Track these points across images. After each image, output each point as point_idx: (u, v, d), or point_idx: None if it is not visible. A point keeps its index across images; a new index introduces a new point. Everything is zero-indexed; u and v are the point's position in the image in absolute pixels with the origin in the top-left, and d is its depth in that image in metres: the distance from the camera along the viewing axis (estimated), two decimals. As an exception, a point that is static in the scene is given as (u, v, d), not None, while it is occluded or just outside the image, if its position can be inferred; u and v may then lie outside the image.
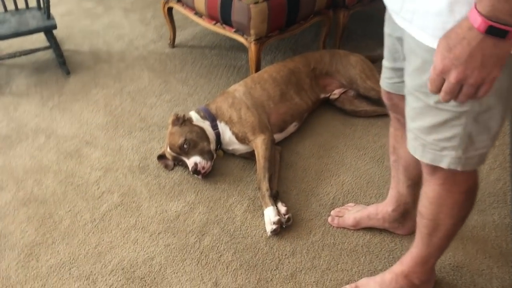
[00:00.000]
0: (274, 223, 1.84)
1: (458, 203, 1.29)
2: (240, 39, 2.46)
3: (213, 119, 2.17)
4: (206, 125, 2.17)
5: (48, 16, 2.63)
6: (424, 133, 1.15)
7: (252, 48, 2.42)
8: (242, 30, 2.42)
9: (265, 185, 1.95)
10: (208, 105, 2.24)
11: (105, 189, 2.09)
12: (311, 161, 2.20)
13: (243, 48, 2.33)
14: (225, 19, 2.46)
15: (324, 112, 2.46)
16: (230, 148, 2.20)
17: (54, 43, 2.71)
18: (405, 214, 1.74)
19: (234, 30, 2.47)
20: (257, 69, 2.47)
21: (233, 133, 2.14)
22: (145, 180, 2.13)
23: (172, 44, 3.03)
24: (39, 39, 3.05)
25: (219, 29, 2.55)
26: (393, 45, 1.29)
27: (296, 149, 2.27)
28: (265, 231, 1.88)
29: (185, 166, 2.13)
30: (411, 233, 1.72)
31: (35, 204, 2.02)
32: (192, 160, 2.05)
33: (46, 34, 2.70)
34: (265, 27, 2.36)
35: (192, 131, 2.09)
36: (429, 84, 0.98)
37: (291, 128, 2.29)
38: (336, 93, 2.44)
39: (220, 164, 2.19)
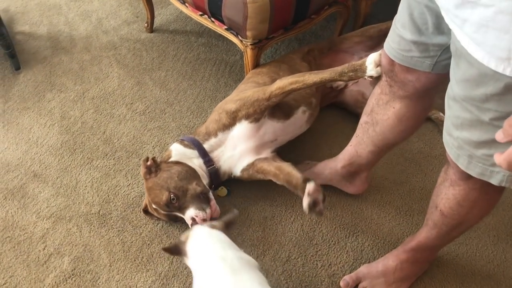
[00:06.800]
0: (309, 193, 1.42)
1: (492, 202, 1.22)
2: (234, 39, 1.90)
3: (203, 151, 1.65)
4: (192, 156, 1.65)
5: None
6: (472, 146, 1.00)
7: (249, 54, 1.86)
8: (235, 29, 1.85)
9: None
10: (194, 132, 1.72)
11: (53, 249, 1.61)
12: (321, 212, 1.71)
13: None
14: (214, 13, 1.88)
15: (333, 131, 1.94)
16: (237, 151, 1.64)
17: (-2, 30, 2.14)
18: (355, 174, 1.63)
19: (225, 27, 1.90)
20: (254, 78, 1.92)
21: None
22: (106, 237, 1.64)
23: (150, 28, 2.44)
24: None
25: (207, 22, 1.97)
26: (420, 15, 1.08)
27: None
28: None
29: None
30: (361, 192, 1.70)
31: (-40, 272, 1.55)
32: (188, 216, 1.54)
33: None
34: (265, 28, 1.79)
35: (172, 176, 1.57)
36: (501, 133, 0.78)
37: (300, 114, 1.73)
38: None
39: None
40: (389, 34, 1.22)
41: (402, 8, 1.15)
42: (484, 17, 0.80)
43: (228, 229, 1.36)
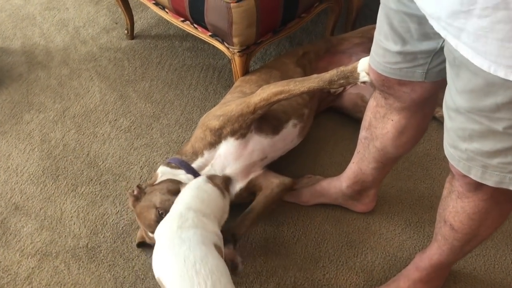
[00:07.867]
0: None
1: (505, 212, 1.13)
2: (220, 46, 1.76)
3: (192, 170, 1.52)
4: (179, 173, 1.53)
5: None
6: (485, 156, 0.92)
7: (237, 61, 1.73)
8: (221, 36, 1.71)
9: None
10: (180, 151, 1.59)
11: (40, 291, 1.49)
12: (326, 229, 1.60)
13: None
14: (197, 19, 1.74)
15: (333, 138, 1.82)
16: (226, 173, 1.52)
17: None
18: (361, 191, 1.54)
19: (210, 34, 1.76)
20: (245, 86, 1.79)
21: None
22: (96, 273, 1.52)
23: (131, 35, 2.29)
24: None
25: (189, 28, 1.83)
26: (401, 23, 1.00)
27: (304, 208, 1.65)
28: None
29: None
30: (370, 210, 1.61)
31: None
32: None
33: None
34: (253, 33, 1.66)
35: (155, 193, 1.44)
36: None
37: (290, 128, 1.61)
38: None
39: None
40: (372, 48, 1.14)
41: (380, 19, 1.07)
42: (481, 28, 0.73)
43: (226, 184, 1.43)
